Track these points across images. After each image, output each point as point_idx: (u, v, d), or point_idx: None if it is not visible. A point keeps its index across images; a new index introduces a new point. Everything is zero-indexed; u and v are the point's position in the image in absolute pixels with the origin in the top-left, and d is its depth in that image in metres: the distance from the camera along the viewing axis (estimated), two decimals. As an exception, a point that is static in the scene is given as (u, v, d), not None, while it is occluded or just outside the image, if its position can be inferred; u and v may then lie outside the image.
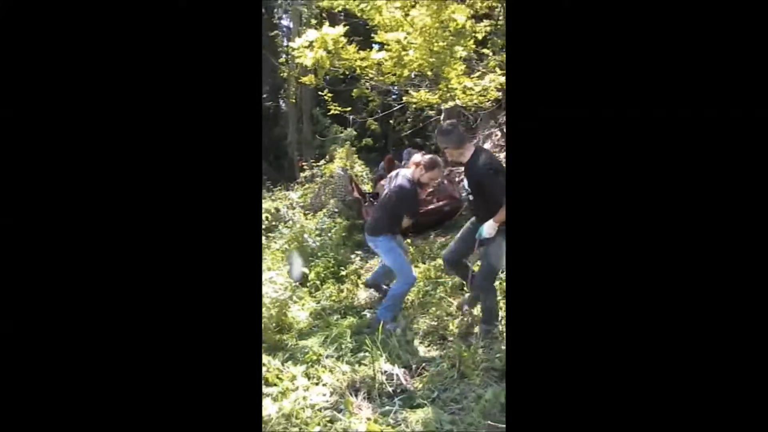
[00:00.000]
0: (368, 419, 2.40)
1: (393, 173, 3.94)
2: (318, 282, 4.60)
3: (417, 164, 3.64)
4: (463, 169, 3.40)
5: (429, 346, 3.29)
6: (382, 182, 5.53)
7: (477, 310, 3.45)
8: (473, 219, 3.35)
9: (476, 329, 3.31)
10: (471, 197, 3.29)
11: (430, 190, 5.96)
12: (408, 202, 3.64)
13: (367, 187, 8.05)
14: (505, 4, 5.17)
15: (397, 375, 2.86)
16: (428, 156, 3.76)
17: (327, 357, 3.11)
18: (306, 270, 4.56)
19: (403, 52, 4.45)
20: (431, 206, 6.21)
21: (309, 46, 4.40)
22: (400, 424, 2.35)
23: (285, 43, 14.78)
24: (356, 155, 8.98)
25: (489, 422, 2.20)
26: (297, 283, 4.28)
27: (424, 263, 4.76)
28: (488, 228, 3.06)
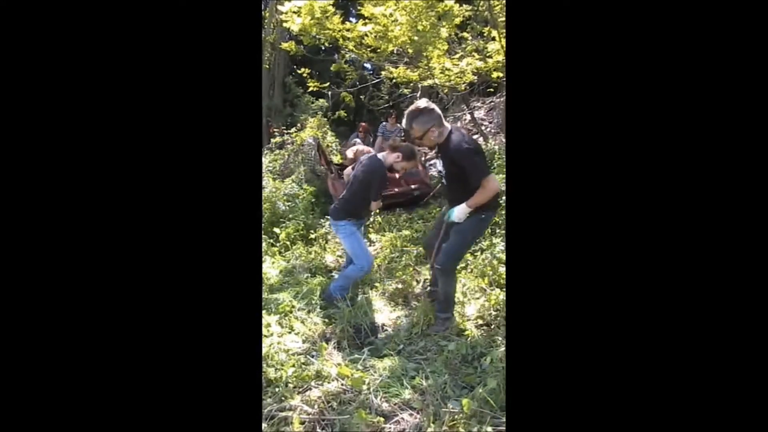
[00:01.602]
0: (338, 365, 2.59)
1: (363, 157, 3.74)
2: (288, 243, 4.75)
3: (394, 149, 3.48)
4: (434, 152, 3.19)
5: (394, 306, 3.51)
6: (350, 151, 5.56)
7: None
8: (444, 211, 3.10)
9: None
10: (444, 181, 3.06)
11: (398, 175, 6.06)
12: (376, 185, 3.40)
13: (336, 158, 8.14)
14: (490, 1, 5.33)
15: (364, 329, 3.07)
16: (406, 144, 3.56)
17: (298, 310, 3.29)
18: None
19: (390, 26, 4.57)
20: (401, 189, 6.16)
21: (297, 12, 4.49)
22: (368, 370, 2.56)
23: (262, 7, 14.60)
24: (327, 126, 9.07)
25: (449, 366, 2.43)
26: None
27: (391, 232, 4.96)
28: (459, 212, 2.85)
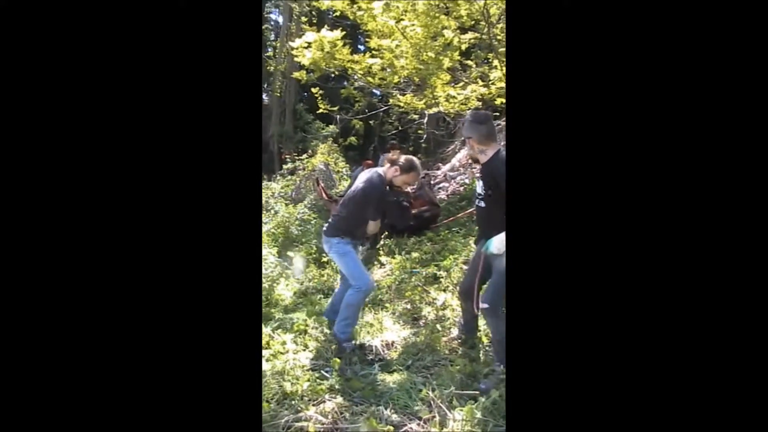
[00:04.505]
0: (350, 379, 2.75)
1: (364, 171, 3.48)
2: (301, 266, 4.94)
3: (392, 162, 3.25)
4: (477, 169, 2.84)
5: (403, 325, 3.66)
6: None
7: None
8: (481, 243, 2.82)
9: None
10: (482, 203, 2.77)
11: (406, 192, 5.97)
12: (375, 203, 3.18)
13: (342, 186, 8.29)
14: (490, 19, 5.56)
15: (375, 347, 3.23)
16: (405, 156, 3.32)
17: (312, 329, 3.46)
18: (302, 266, 4.67)
19: (395, 59, 4.80)
20: (411, 213, 6.06)
21: (308, 47, 4.74)
22: (379, 384, 2.71)
23: (272, 38, 15.08)
24: (338, 152, 9.34)
25: (456, 381, 2.58)
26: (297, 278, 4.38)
27: (400, 255, 5.12)
28: (498, 242, 2.57)
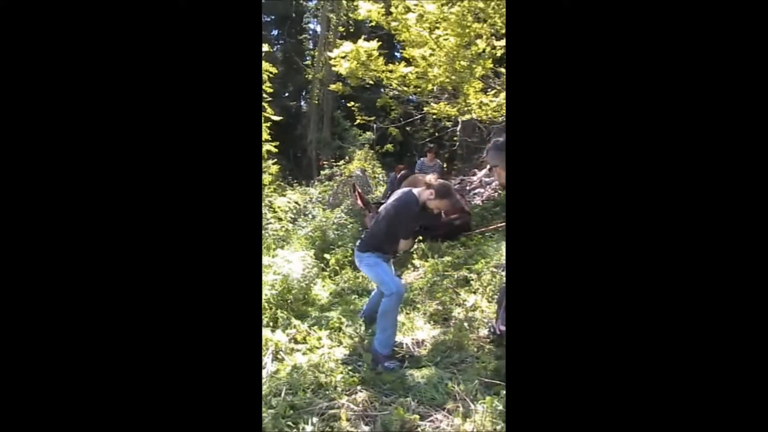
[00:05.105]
0: (380, 373, 2.91)
1: (398, 191, 3.54)
2: (337, 267, 5.14)
3: (428, 186, 3.24)
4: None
5: (434, 324, 3.80)
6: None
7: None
8: None
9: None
10: None
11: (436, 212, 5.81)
12: (405, 222, 3.28)
13: (378, 192, 8.51)
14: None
15: (406, 344, 3.38)
16: (441, 182, 3.33)
17: (346, 326, 3.64)
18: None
19: (429, 69, 4.95)
20: (441, 221, 5.97)
21: (345, 57, 4.95)
22: (407, 378, 2.86)
23: (311, 46, 15.46)
24: (374, 159, 9.56)
25: (481, 377, 2.71)
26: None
27: (433, 258, 5.26)
28: None
